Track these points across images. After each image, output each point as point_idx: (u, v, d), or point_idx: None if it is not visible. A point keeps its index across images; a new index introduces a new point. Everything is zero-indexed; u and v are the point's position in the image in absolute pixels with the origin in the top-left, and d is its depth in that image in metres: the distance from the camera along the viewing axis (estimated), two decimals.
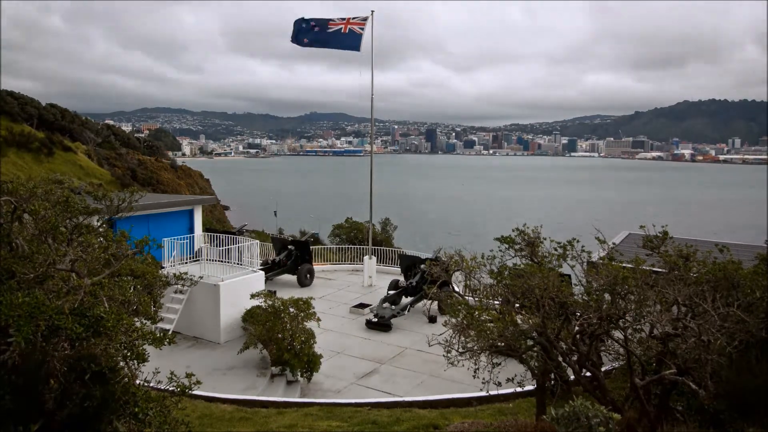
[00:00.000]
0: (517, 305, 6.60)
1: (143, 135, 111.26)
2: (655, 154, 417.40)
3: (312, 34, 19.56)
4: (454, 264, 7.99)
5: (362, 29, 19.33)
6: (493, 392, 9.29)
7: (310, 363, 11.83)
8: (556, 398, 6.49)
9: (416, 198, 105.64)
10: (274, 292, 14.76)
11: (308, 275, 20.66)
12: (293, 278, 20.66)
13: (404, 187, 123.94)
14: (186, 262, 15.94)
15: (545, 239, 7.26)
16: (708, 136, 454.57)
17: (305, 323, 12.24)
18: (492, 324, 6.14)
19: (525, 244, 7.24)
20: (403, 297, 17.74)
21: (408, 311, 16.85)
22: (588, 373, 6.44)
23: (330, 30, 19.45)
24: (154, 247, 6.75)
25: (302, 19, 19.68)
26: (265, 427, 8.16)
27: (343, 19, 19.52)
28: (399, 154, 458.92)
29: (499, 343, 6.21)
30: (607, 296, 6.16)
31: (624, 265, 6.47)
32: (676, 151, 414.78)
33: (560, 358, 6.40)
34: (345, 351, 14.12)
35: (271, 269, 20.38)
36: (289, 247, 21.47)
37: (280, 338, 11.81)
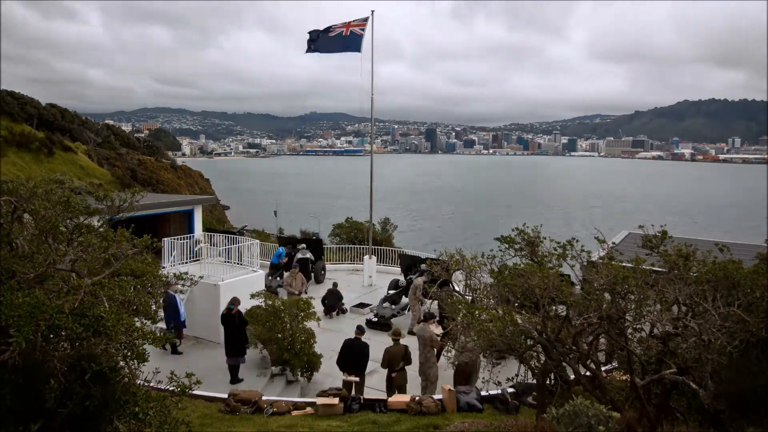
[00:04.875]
0: (517, 305, 6.60)
1: (143, 135, 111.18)
2: (655, 153, 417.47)
3: (317, 41, 19.85)
4: (455, 263, 7.99)
5: (363, 30, 19.39)
6: (493, 392, 9.32)
7: (310, 363, 11.83)
8: (556, 398, 6.49)
9: None
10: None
11: (323, 271, 21.37)
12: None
13: None
14: (186, 262, 15.94)
15: (545, 239, 7.27)
16: (708, 136, 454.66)
17: (305, 323, 12.24)
18: (492, 324, 6.14)
19: (525, 243, 7.24)
20: (403, 296, 17.73)
21: (408, 311, 16.85)
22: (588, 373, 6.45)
23: (332, 34, 19.62)
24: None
25: (314, 31, 20.08)
26: (265, 427, 8.16)
27: (345, 23, 19.64)
28: (399, 153, 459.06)
29: (499, 343, 6.22)
30: (607, 296, 6.16)
31: (624, 264, 6.47)
32: (676, 151, 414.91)
33: (560, 358, 6.40)
34: None
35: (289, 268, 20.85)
36: (300, 245, 21.84)
37: (280, 338, 11.81)
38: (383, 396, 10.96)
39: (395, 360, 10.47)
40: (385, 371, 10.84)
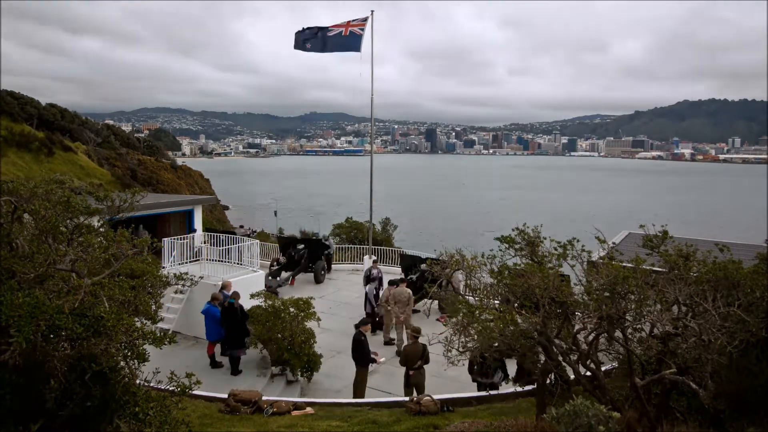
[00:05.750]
0: (517, 305, 6.60)
1: (143, 135, 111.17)
2: (655, 153, 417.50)
3: (313, 39, 19.77)
4: (455, 263, 7.99)
5: (362, 30, 19.38)
6: (493, 392, 9.32)
7: (310, 363, 11.83)
8: (556, 398, 6.49)
9: None
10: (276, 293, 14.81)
11: (323, 271, 21.46)
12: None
13: None
14: (186, 262, 15.95)
15: (545, 239, 7.26)
16: (708, 136, 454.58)
17: (305, 323, 12.24)
18: (492, 323, 6.14)
19: (525, 243, 7.24)
20: None
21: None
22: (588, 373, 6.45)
23: (330, 34, 19.59)
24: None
25: (303, 29, 19.98)
26: (265, 427, 8.15)
27: (345, 22, 19.63)
28: (399, 153, 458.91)
29: (497, 344, 6.21)
30: (606, 296, 6.16)
31: (624, 264, 6.47)
32: (676, 151, 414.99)
33: (560, 358, 6.40)
34: (345, 351, 14.09)
35: (291, 268, 20.93)
36: (299, 246, 21.80)
37: (280, 338, 11.81)
38: (383, 398, 10.99)
39: (413, 358, 10.47)
40: (383, 369, 10.87)
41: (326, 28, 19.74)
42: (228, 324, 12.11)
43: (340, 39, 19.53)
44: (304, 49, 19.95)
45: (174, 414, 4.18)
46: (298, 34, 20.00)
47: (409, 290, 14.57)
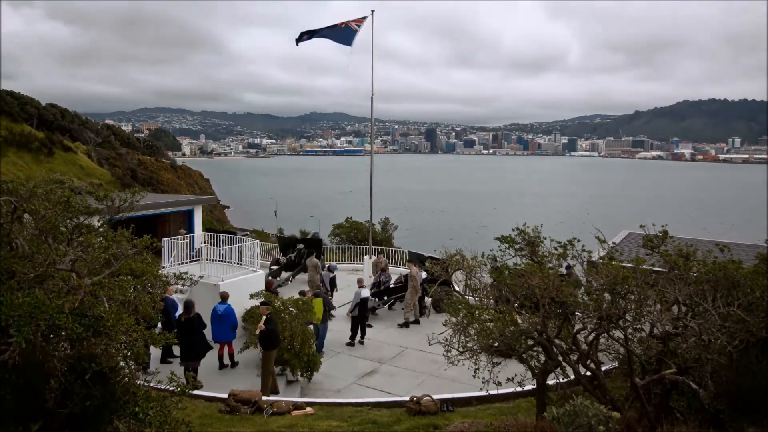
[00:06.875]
0: (516, 305, 6.60)
1: (143, 135, 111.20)
2: (655, 153, 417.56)
3: (311, 32, 19.96)
4: (455, 263, 7.99)
5: (358, 26, 19.48)
6: (493, 392, 9.33)
7: (310, 363, 11.84)
8: (558, 396, 6.48)
9: None
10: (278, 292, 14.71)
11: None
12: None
13: None
14: (186, 262, 15.95)
15: (545, 238, 7.26)
16: (708, 136, 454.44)
17: (305, 323, 12.24)
18: (492, 323, 6.14)
19: (525, 243, 7.24)
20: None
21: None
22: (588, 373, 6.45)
23: (328, 27, 19.82)
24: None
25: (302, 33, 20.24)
26: (265, 427, 8.15)
27: (343, 22, 19.77)
28: (399, 153, 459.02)
29: (497, 344, 6.21)
30: (607, 296, 6.16)
31: (624, 264, 6.47)
32: (676, 151, 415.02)
33: (560, 358, 6.40)
34: (345, 351, 14.13)
35: (290, 268, 21.08)
36: (299, 246, 21.79)
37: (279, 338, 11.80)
38: (383, 398, 11.01)
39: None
40: (383, 369, 10.86)
41: (325, 27, 19.92)
42: (185, 338, 11.09)
43: (334, 30, 19.69)
44: (302, 40, 20.14)
45: (174, 414, 4.18)
46: (299, 36, 20.17)
47: (417, 269, 16.95)
